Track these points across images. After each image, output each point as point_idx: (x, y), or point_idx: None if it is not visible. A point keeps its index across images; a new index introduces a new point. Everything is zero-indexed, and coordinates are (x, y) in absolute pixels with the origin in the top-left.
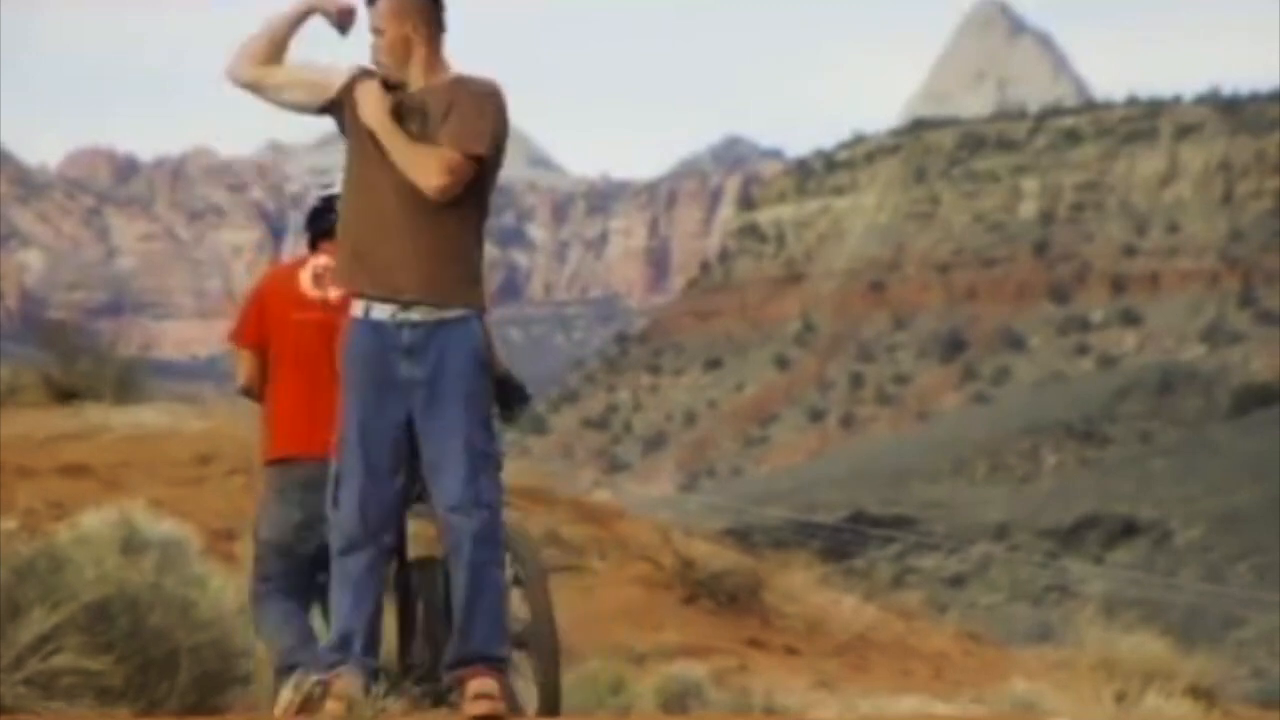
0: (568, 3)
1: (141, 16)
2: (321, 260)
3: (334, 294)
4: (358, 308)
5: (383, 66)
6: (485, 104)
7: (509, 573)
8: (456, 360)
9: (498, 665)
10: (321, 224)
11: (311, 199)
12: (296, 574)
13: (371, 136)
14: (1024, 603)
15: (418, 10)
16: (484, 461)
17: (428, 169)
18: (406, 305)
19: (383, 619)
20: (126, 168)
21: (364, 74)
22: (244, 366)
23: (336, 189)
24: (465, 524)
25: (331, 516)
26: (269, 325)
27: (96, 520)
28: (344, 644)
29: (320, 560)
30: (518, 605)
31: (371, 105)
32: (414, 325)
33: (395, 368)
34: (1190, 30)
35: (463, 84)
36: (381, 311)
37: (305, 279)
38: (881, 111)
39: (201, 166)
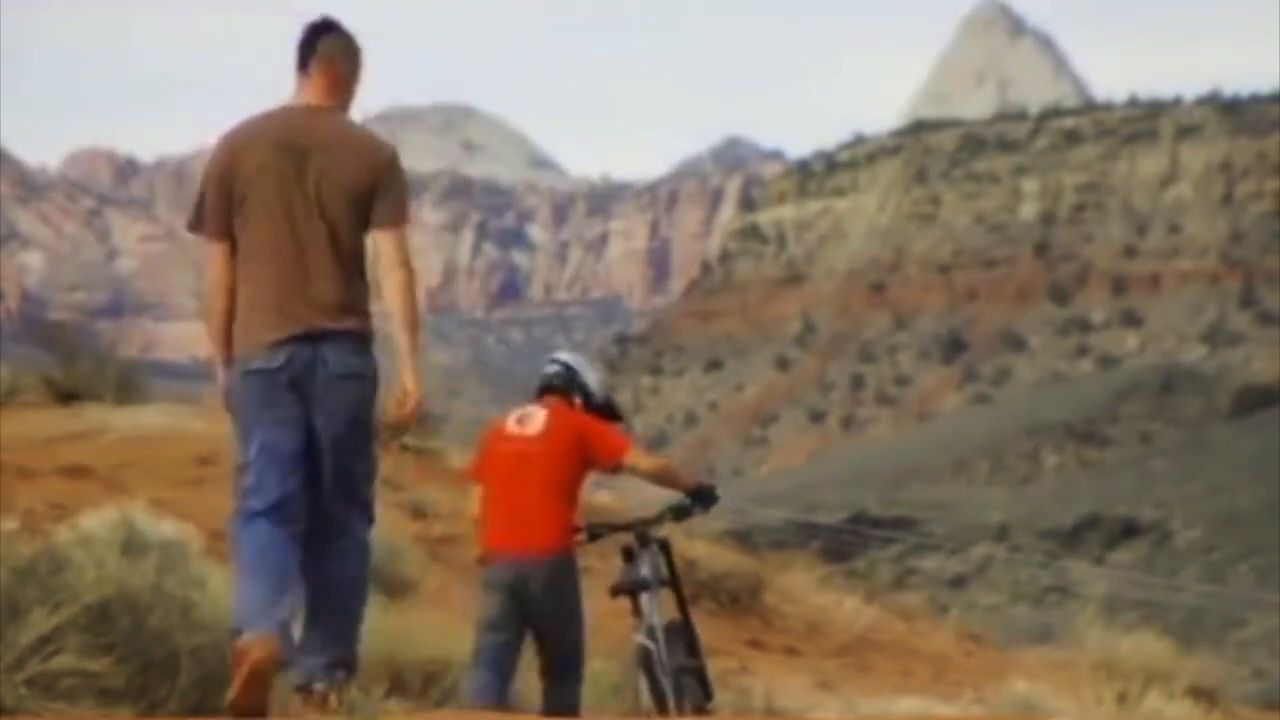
0: (569, 4)
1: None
2: (529, 408)
3: (530, 431)
4: None
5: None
6: (400, 175)
7: None
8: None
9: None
10: (544, 380)
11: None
12: (496, 649)
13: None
14: (1025, 604)
15: (358, 56)
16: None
17: (408, 287)
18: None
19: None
20: (127, 169)
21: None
22: (473, 499)
23: (564, 356)
24: None
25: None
26: (485, 459)
27: (97, 521)
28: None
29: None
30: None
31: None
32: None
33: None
34: (1191, 31)
35: (378, 148)
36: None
37: (510, 421)
38: (882, 112)
39: (202, 167)
